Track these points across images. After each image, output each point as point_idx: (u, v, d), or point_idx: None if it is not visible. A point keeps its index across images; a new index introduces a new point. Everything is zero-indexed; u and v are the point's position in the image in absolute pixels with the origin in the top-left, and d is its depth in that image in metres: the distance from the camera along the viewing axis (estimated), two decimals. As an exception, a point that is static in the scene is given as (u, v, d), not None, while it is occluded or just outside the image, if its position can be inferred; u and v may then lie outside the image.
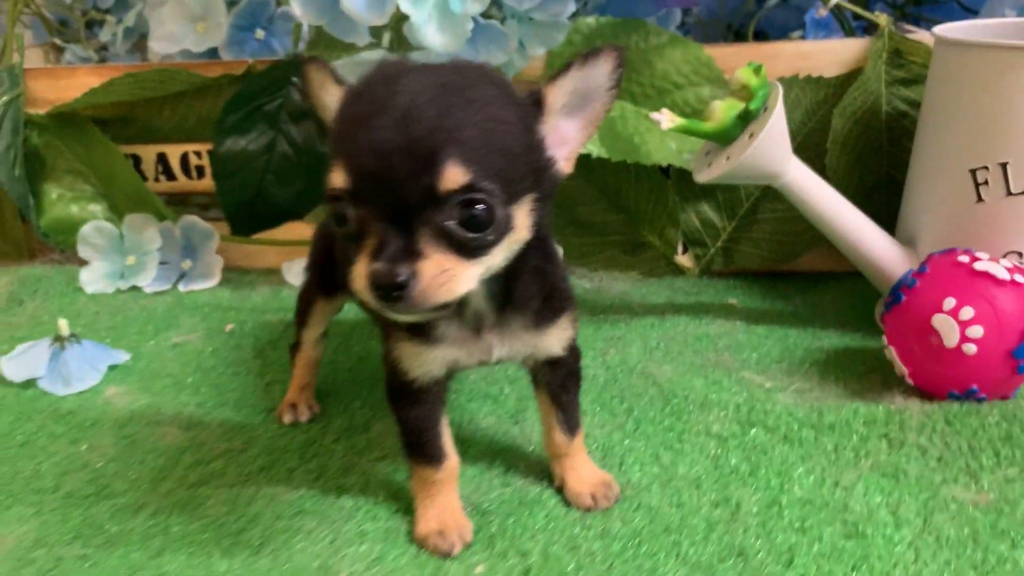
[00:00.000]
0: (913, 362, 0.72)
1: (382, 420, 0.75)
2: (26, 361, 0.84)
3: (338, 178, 0.46)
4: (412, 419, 0.60)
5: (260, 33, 1.09)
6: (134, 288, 1.07)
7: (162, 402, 0.80)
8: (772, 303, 0.98)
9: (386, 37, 0.88)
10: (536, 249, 0.54)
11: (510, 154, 0.48)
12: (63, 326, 0.85)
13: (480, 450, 0.70)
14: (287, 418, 0.76)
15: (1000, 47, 0.73)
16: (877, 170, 0.95)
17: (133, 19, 1.23)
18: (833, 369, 0.81)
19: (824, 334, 0.88)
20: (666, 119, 0.76)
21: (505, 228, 0.48)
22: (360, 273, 0.46)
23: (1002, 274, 0.69)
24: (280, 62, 1.02)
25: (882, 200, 0.94)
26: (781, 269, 1.03)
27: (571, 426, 0.64)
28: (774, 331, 0.90)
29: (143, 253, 1.08)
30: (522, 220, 0.49)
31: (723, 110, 0.77)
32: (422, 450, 0.60)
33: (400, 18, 0.82)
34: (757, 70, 0.77)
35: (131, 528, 0.63)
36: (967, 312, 0.68)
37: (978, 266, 0.70)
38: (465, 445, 0.63)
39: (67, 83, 1.07)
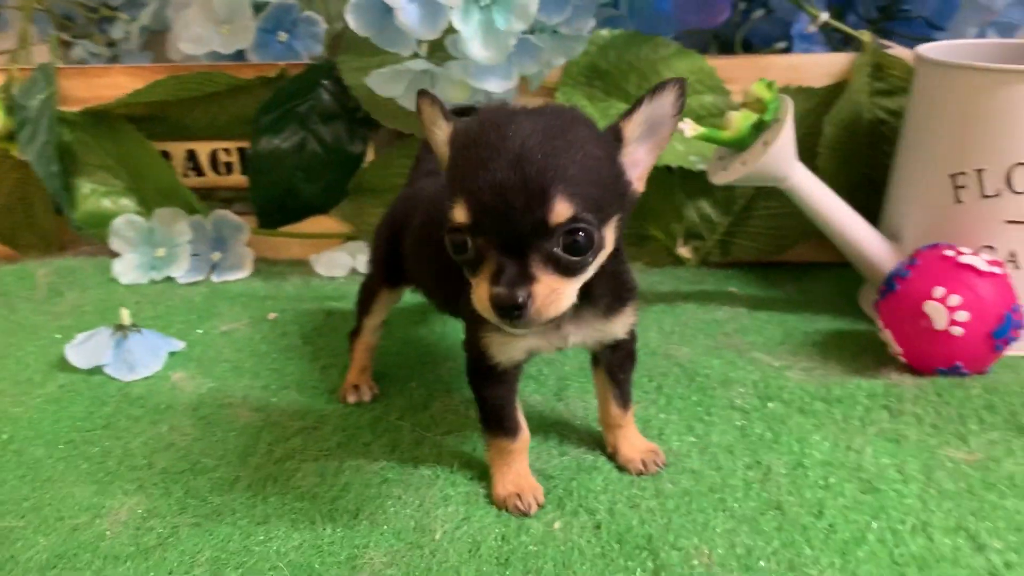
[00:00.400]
0: (906, 343, 0.83)
1: (439, 399, 0.82)
2: (90, 349, 0.88)
3: (460, 214, 0.53)
4: (493, 397, 0.67)
5: (283, 36, 1.15)
6: (168, 279, 1.12)
7: (227, 386, 0.86)
8: (768, 291, 1.07)
9: (424, 48, 0.94)
10: (613, 256, 0.61)
11: (602, 185, 0.55)
12: (125, 315, 0.91)
13: (533, 424, 0.76)
14: (351, 398, 0.82)
15: (977, 68, 0.84)
16: (859, 171, 1.06)
17: (148, 17, 1.27)
18: (831, 349, 0.91)
19: (818, 318, 0.98)
20: (689, 127, 0.85)
21: (599, 248, 0.55)
22: (482, 295, 0.53)
23: (983, 266, 0.79)
24: (311, 67, 1.08)
25: (862, 197, 1.04)
26: (773, 260, 1.13)
27: (625, 400, 0.72)
28: (774, 316, 0.99)
29: (173, 245, 1.13)
30: (610, 237, 0.57)
31: (739, 120, 0.86)
32: (501, 424, 0.68)
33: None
34: (769, 85, 0.86)
35: (232, 499, 0.68)
36: (954, 299, 0.79)
37: (962, 259, 0.80)
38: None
39: (97, 82, 1.11)
